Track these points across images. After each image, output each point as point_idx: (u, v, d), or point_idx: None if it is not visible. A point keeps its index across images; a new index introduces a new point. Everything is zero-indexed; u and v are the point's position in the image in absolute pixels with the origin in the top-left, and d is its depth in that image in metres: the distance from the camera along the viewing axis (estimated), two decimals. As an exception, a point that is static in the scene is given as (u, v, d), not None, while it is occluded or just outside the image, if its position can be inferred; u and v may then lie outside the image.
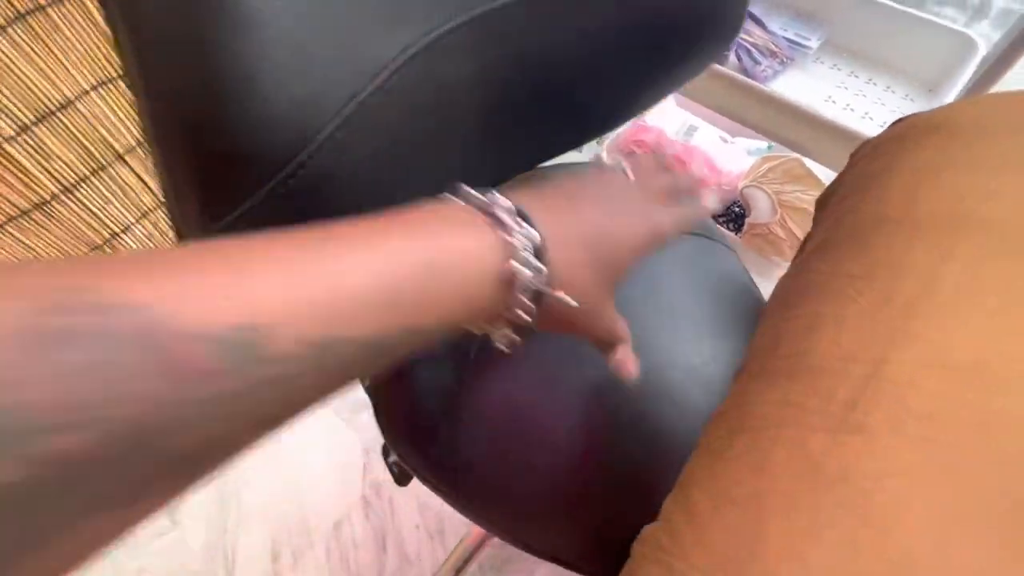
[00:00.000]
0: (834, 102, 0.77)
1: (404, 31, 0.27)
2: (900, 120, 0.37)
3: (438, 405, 0.41)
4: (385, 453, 0.78)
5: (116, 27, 0.25)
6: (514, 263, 0.20)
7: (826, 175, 0.86)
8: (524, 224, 0.21)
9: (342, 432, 0.97)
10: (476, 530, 0.78)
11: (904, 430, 0.20)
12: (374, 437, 0.97)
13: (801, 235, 0.87)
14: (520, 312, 0.22)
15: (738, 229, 0.97)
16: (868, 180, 0.32)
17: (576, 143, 0.45)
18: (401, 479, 0.77)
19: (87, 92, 0.53)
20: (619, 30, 0.37)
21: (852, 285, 0.26)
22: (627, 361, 0.30)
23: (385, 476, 0.91)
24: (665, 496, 0.26)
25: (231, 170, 0.25)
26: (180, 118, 0.24)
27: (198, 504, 0.91)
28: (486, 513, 0.40)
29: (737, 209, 1.00)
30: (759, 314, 0.33)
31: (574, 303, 0.24)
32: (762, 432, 0.22)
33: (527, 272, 0.21)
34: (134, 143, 0.59)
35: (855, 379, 0.22)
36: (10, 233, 0.54)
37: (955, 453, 0.20)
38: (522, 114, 0.38)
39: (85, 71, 0.51)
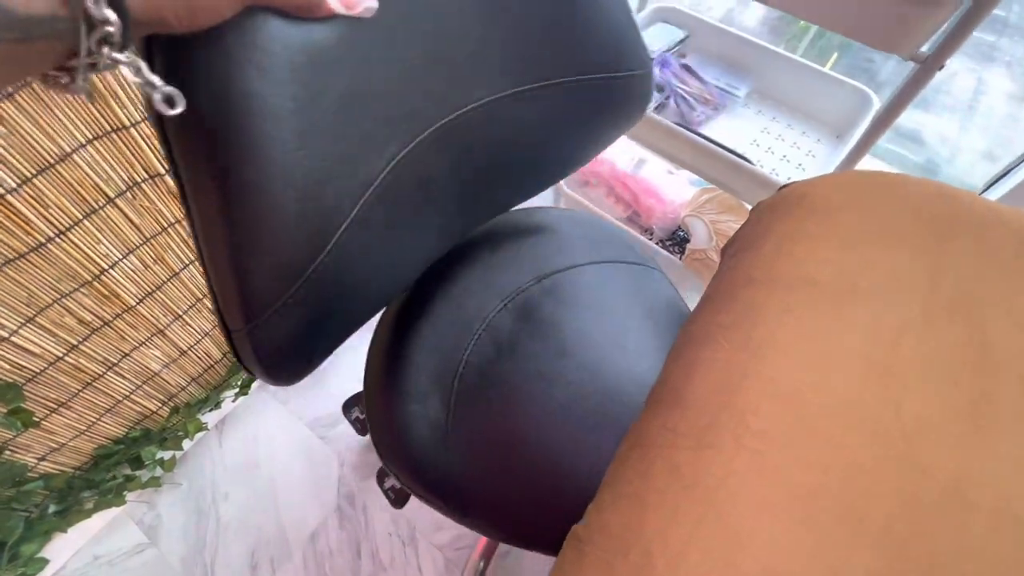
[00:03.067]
0: (758, 145, 0.88)
1: (390, 148, 0.36)
2: (784, 186, 0.46)
3: (431, 435, 0.49)
4: (380, 481, 0.84)
5: (178, 180, 0.30)
6: None
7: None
8: None
9: (317, 445, 1.02)
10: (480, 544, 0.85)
11: (743, 443, 0.29)
12: (347, 449, 1.02)
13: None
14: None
15: (682, 253, 1.07)
16: (750, 242, 0.42)
17: (535, 192, 0.54)
18: (397, 503, 0.83)
19: (83, 145, 0.58)
20: (564, 108, 0.46)
21: (722, 333, 0.34)
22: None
23: (359, 486, 0.97)
24: None
25: (267, 280, 0.32)
26: (226, 243, 0.30)
27: (175, 520, 0.94)
28: (478, 518, 0.48)
29: (681, 234, 1.11)
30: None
31: None
32: (649, 448, 0.31)
33: None
34: (123, 187, 0.64)
35: (714, 408, 0.30)
36: (7, 274, 0.58)
37: (776, 458, 0.28)
38: (488, 180, 0.47)
39: (81, 126, 0.57)
